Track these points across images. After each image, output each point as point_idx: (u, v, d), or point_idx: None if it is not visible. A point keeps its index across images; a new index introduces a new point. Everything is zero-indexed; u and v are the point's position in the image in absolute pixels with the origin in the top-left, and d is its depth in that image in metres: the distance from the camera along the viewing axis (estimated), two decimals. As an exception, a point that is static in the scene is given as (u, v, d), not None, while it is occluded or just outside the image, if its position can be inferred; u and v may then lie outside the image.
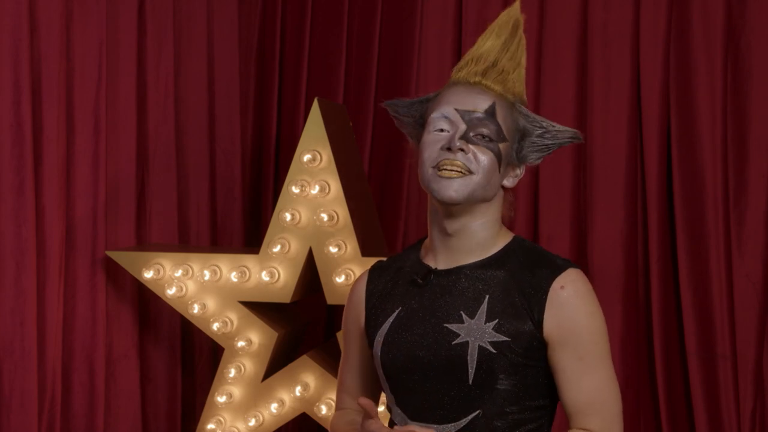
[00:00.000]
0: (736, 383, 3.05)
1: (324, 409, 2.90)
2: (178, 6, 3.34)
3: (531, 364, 1.60)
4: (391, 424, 1.70)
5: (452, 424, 1.61)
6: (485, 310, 1.61)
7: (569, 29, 3.26)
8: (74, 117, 2.95)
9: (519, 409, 1.61)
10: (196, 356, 3.43)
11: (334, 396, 2.87)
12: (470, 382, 1.59)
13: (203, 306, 2.95)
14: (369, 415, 1.57)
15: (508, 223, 1.73)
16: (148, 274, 2.97)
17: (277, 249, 2.88)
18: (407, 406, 1.66)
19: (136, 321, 3.17)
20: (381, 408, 2.52)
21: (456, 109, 1.64)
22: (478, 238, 1.67)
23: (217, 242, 3.56)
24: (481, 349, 1.58)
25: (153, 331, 3.28)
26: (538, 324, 1.60)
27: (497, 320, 1.60)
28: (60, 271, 2.89)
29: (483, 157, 1.61)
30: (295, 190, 2.86)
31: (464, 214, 1.64)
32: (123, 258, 3.00)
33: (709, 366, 3.08)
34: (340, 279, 2.82)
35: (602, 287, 3.09)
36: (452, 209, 1.63)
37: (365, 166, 3.45)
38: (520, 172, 1.70)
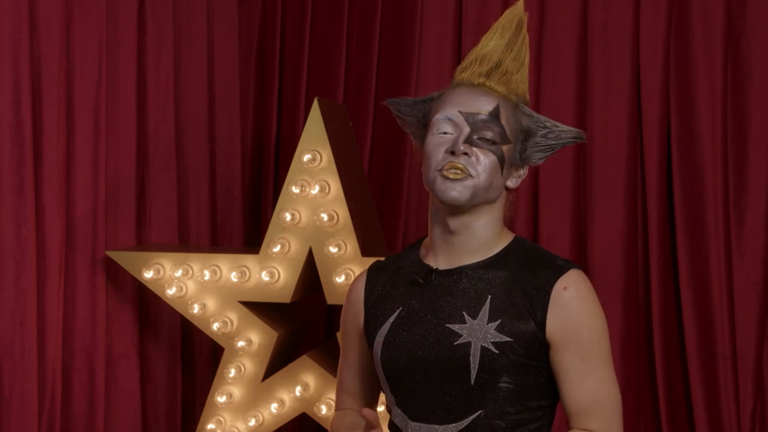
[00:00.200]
0: (736, 383, 3.05)
1: (324, 409, 2.90)
2: (178, 6, 3.34)
3: (532, 364, 1.61)
4: (391, 424, 1.70)
5: (453, 425, 1.61)
6: (487, 310, 1.61)
7: (569, 29, 3.26)
8: (74, 117, 2.94)
9: (520, 409, 1.61)
10: (196, 356, 3.43)
11: (334, 396, 2.87)
12: (472, 382, 1.59)
13: (203, 306, 2.95)
14: (371, 425, 1.57)
15: (508, 223, 1.73)
16: (148, 274, 2.97)
17: (277, 249, 2.88)
18: (408, 406, 1.66)
19: (136, 321, 3.17)
20: (381, 408, 2.52)
21: (460, 112, 1.64)
22: (480, 237, 1.67)
23: (217, 242, 3.56)
24: (484, 349, 1.58)
25: (153, 331, 3.28)
26: (541, 324, 1.60)
27: (499, 321, 1.60)
28: (60, 271, 2.89)
29: (486, 160, 1.61)
30: (295, 190, 2.86)
31: (467, 213, 1.65)
32: (123, 258, 3.00)
33: (709, 366, 3.08)
34: (340, 279, 2.82)
35: (602, 287, 3.09)
36: (461, 209, 1.64)
37: (365, 166, 3.45)
38: (523, 172, 1.70)
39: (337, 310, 3.33)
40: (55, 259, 2.85)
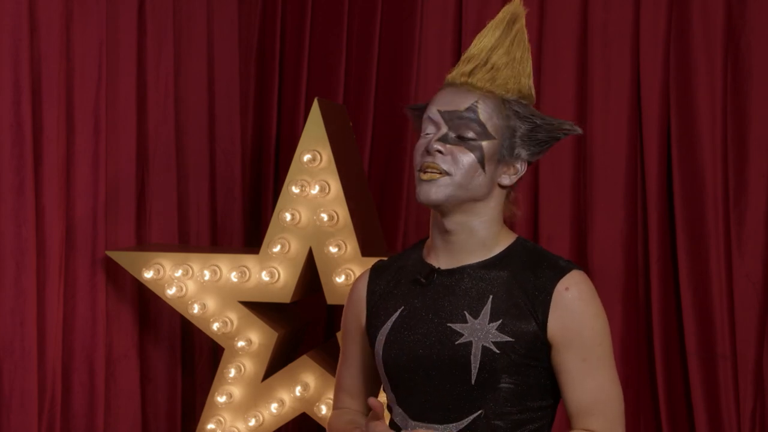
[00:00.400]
0: (736, 383, 3.05)
1: (324, 409, 2.90)
2: (178, 6, 3.34)
3: (533, 364, 1.61)
4: (392, 423, 1.70)
5: (454, 424, 1.61)
6: (489, 310, 1.61)
7: (569, 29, 3.26)
8: (74, 117, 2.95)
9: (521, 409, 1.61)
10: (196, 356, 3.43)
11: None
12: (473, 382, 1.59)
13: (203, 306, 2.95)
14: (376, 416, 1.57)
15: (509, 221, 1.73)
16: (148, 274, 2.97)
17: (277, 249, 2.88)
18: (409, 405, 1.66)
19: (136, 321, 3.17)
20: (381, 408, 2.52)
21: (439, 111, 1.65)
22: (478, 237, 1.66)
23: (217, 242, 3.56)
24: (485, 349, 1.58)
25: (153, 331, 3.28)
26: (543, 325, 1.60)
27: (501, 320, 1.60)
28: (60, 271, 2.89)
29: (463, 158, 1.61)
30: (295, 190, 2.86)
31: (458, 212, 1.64)
32: (123, 258, 3.00)
33: (709, 366, 3.08)
34: (340, 279, 2.82)
35: (602, 287, 3.08)
36: (442, 209, 1.64)
37: (365, 166, 3.45)
38: (520, 169, 1.68)
39: (337, 310, 3.33)
40: (55, 259, 2.86)
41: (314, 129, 2.85)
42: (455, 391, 1.61)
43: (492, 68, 1.66)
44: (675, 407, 3.17)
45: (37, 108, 2.81)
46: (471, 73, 1.66)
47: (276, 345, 2.97)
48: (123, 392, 3.13)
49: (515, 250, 1.68)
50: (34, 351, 2.78)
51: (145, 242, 3.24)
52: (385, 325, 1.69)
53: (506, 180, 1.67)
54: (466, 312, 1.62)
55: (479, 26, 1.75)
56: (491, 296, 1.63)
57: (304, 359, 2.96)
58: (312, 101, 2.88)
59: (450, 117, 1.63)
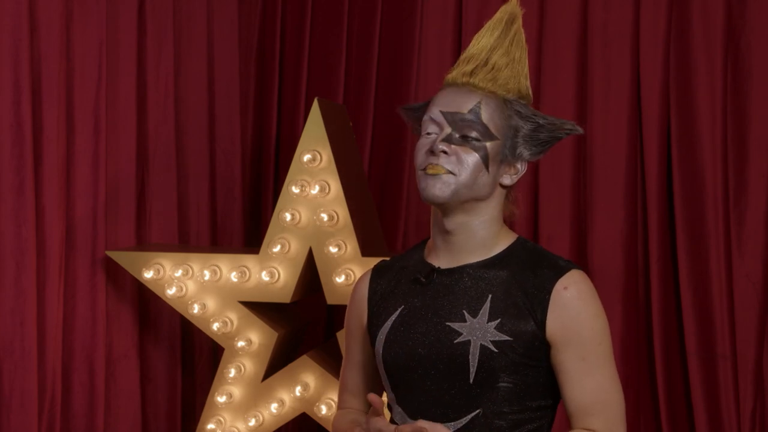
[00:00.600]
0: (736, 383, 3.05)
1: (324, 409, 2.90)
2: (178, 6, 3.34)
3: (532, 364, 1.61)
4: (392, 422, 1.70)
5: (452, 423, 1.61)
6: (488, 309, 1.62)
7: (569, 29, 3.26)
8: (74, 117, 2.95)
9: (519, 408, 1.61)
10: (196, 356, 3.43)
11: (334, 396, 2.87)
12: (471, 380, 1.59)
13: (203, 306, 2.95)
14: (376, 412, 1.57)
15: (509, 221, 1.73)
16: (148, 274, 2.97)
17: (277, 249, 2.88)
18: (408, 404, 1.66)
19: (136, 321, 3.17)
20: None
21: (441, 111, 1.65)
22: (479, 236, 1.67)
23: (217, 242, 3.56)
24: (483, 348, 1.59)
25: (153, 331, 3.28)
26: (541, 324, 1.60)
27: (499, 320, 1.60)
28: (60, 271, 2.89)
29: (467, 158, 1.62)
30: (295, 190, 2.86)
31: (460, 212, 1.65)
32: (123, 258, 3.00)
33: (709, 366, 3.08)
34: (340, 279, 2.82)
35: (602, 287, 3.09)
36: (445, 208, 1.64)
37: (365, 166, 3.45)
38: (521, 168, 1.69)
39: (337, 310, 3.33)
40: (55, 259, 2.86)
41: (314, 129, 2.85)
42: (453, 390, 1.61)
43: (492, 68, 1.67)
44: (675, 407, 3.17)
45: (37, 108, 2.81)
46: (472, 73, 1.67)
47: (276, 345, 2.97)
48: (123, 392, 3.13)
49: (515, 250, 1.68)
50: (34, 351, 2.78)
51: (145, 242, 3.24)
52: (385, 325, 1.70)
53: (507, 180, 1.68)
54: (464, 311, 1.63)
55: (479, 26, 1.75)
56: (490, 296, 1.63)
57: (304, 359, 2.96)
58: (312, 101, 2.88)
59: (453, 118, 1.63)
